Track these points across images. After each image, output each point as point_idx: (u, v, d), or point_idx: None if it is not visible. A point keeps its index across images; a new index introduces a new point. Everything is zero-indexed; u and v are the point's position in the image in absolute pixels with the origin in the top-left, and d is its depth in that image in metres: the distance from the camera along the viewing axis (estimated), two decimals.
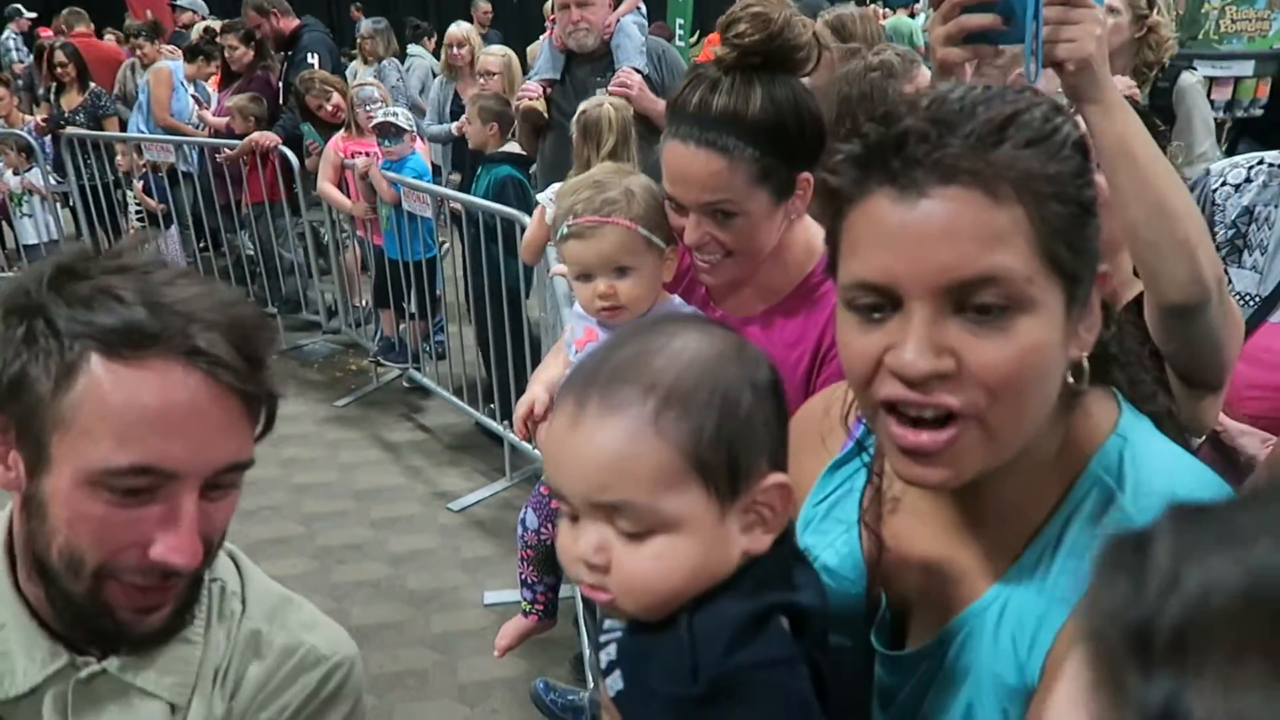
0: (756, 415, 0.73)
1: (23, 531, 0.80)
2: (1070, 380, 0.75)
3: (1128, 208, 1.09)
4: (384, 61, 6.48)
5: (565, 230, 1.53)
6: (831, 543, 0.88)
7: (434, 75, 7.06)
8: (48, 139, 6.09)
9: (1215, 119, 3.43)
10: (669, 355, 0.73)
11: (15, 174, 5.86)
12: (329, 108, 4.90)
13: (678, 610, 0.72)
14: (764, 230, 1.34)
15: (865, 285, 0.72)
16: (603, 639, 0.79)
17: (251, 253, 5.66)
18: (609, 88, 3.18)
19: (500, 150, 3.93)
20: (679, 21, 9.23)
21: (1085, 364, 0.75)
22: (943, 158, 0.68)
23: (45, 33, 10.33)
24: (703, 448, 0.70)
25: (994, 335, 0.68)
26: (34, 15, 10.53)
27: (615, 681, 0.76)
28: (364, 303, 5.16)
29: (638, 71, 3.21)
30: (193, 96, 6.24)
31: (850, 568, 0.85)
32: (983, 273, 0.67)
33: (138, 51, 6.80)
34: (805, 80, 1.35)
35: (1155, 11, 2.96)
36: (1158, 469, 0.74)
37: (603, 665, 0.78)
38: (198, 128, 5.95)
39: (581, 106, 2.93)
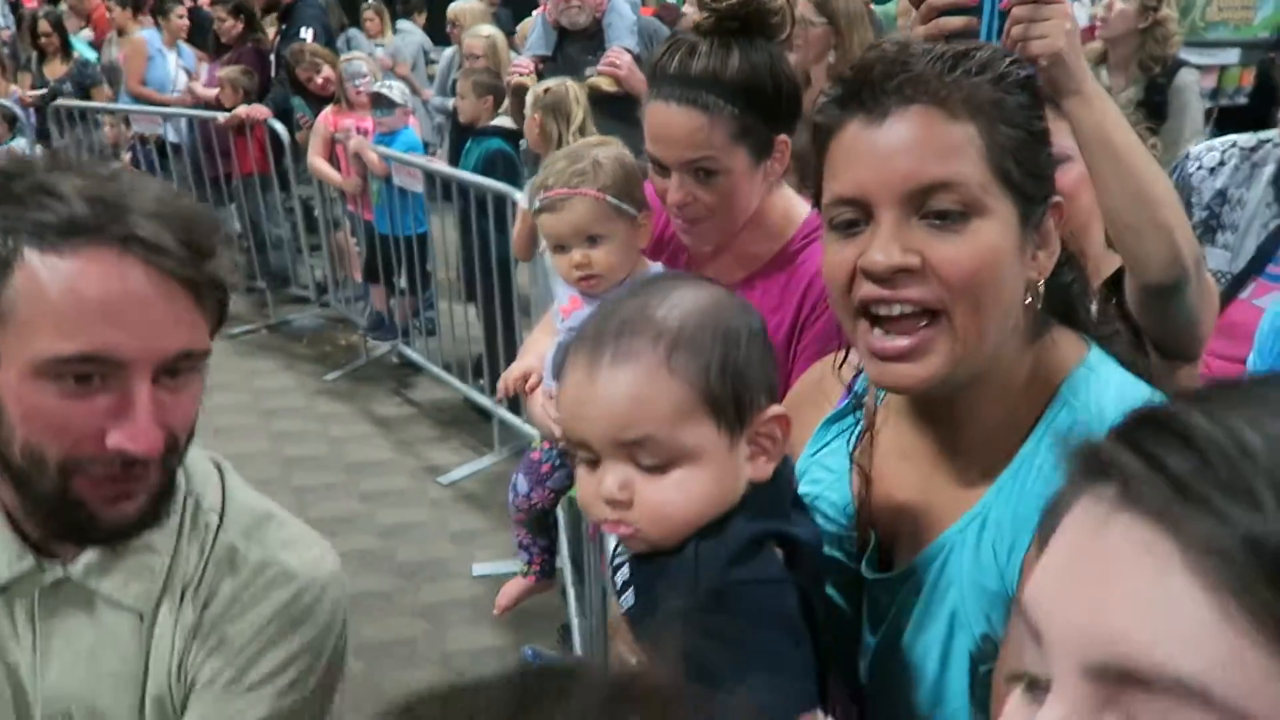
0: (754, 353, 0.81)
1: None
2: (1028, 301, 0.83)
3: (1109, 194, 1.13)
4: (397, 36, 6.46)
5: (539, 204, 1.58)
6: (824, 490, 0.94)
7: (424, 51, 7.05)
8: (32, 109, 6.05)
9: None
10: (671, 305, 0.81)
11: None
12: (319, 80, 4.89)
13: (688, 537, 0.79)
14: (744, 190, 1.38)
15: (841, 200, 0.81)
16: (615, 562, 0.87)
17: (240, 228, 5.65)
18: (599, 66, 3.19)
19: (490, 125, 3.95)
20: None
21: (1041, 288, 0.83)
22: (904, 83, 0.79)
23: (29, 1, 10.23)
24: (711, 383, 0.78)
25: (952, 236, 0.78)
26: None
27: (628, 599, 0.84)
28: (355, 278, 5.17)
29: (628, 51, 3.22)
30: (183, 69, 6.20)
31: (842, 509, 0.92)
32: (940, 178, 0.77)
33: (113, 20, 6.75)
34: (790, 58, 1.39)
35: (1165, 5, 2.99)
36: (1121, 394, 0.81)
37: (617, 585, 0.86)
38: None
39: (540, 87, 2.97)
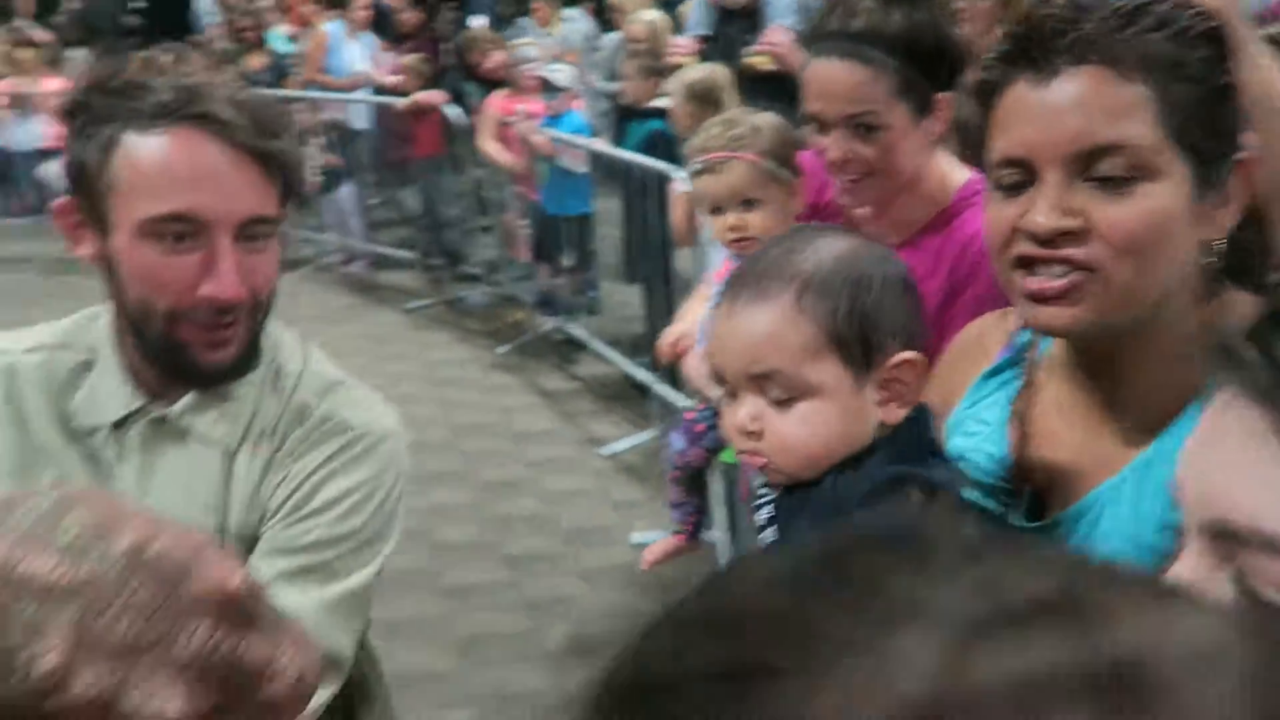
0: (886, 299, 0.85)
1: (110, 288, 0.96)
2: (1205, 261, 0.81)
3: (1275, 157, 1.09)
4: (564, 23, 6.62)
5: (697, 166, 1.63)
6: (980, 442, 0.94)
7: (589, 38, 7.20)
8: None
9: None
10: (809, 251, 0.86)
11: None
12: (489, 65, 5.09)
13: (825, 473, 0.85)
14: (904, 148, 1.37)
15: (1006, 160, 0.81)
16: (759, 501, 0.93)
17: (418, 208, 5.98)
18: (757, 45, 3.20)
19: (651, 106, 4.03)
20: None
21: (1221, 247, 0.81)
22: (1075, 41, 0.77)
23: None
24: (838, 324, 0.83)
25: (1118, 199, 0.76)
26: None
27: (769, 535, 0.90)
28: (522, 258, 5.38)
29: (788, 29, 3.22)
30: (367, 57, 6.57)
31: (997, 461, 0.92)
32: (1109, 141, 0.76)
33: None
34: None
35: None
36: None
37: (760, 522, 0.92)
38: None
39: (688, 75, 3.00)
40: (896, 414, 0.85)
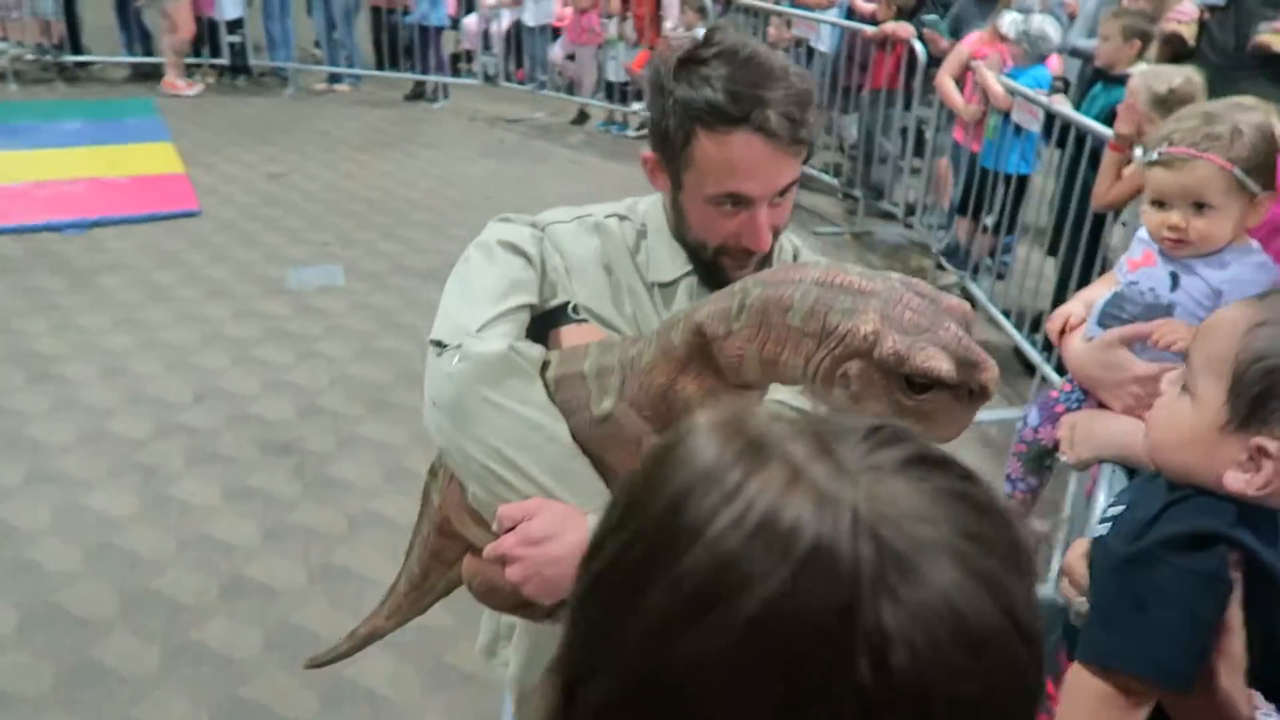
0: None
1: (673, 217, 1.28)
2: None
3: None
4: None
5: (1155, 156, 1.51)
6: None
7: None
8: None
9: None
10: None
11: (686, 30, 6.83)
12: None
13: (1173, 483, 0.87)
14: None
15: None
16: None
17: (855, 138, 6.02)
18: (1277, 23, 2.80)
19: (1127, 72, 3.68)
20: None
21: None
22: None
23: None
24: (1246, 368, 0.83)
25: None
26: None
27: (1098, 530, 0.95)
28: (943, 206, 5.26)
29: None
30: None
31: None
32: None
33: None
34: None
35: None
36: None
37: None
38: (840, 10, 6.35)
39: (1162, 81, 2.66)
40: (1241, 485, 0.83)
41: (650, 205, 1.33)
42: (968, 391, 0.80)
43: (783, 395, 1.11)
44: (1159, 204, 1.51)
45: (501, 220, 1.31)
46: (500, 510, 1.07)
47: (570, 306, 1.24)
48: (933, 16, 5.16)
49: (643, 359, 1.01)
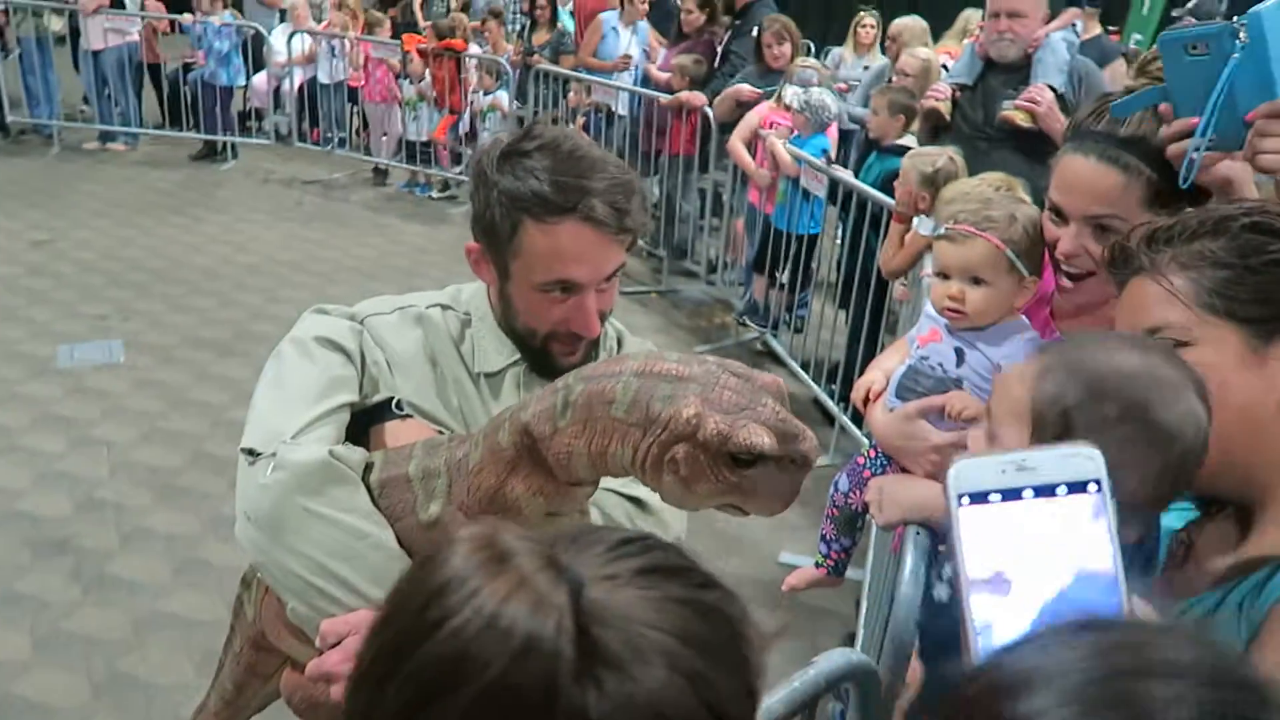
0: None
1: (500, 307, 1.28)
2: None
3: None
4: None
5: (942, 230, 1.65)
6: None
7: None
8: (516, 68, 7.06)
9: None
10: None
11: (485, 94, 6.87)
12: (776, 51, 5.18)
13: None
14: None
15: None
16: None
17: (657, 198, 6.22)
18: (1018, 100, 3.15)
19: (896, 143, 4.02)
20: (1135, 37, 8.50)
21: None
22: (1127, 262, 1.05)
23: None
24: (1043, 412, 0.89)
25: None
26: None
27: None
28: (741, 263, 5.49)
29: (1051, 89, 3.15)
30: (644, 50, 6.89)
31: None
32: (1151, 325, 1.01)
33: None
34: None
35: None
36: None
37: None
38: (632, 76, 6.58)
39: (927, 161, 3.04)
40: None
41: (473, 294, 1.33)
42: (790, 462, 0.84)
43: (614, 484, 1.11)
44: (943, 276, 1.64)
45: (317, 312, 1.26)
46: (323, 625, 1.01)
47: (394, 403, 1.20)
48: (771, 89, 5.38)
49: (470, 460, 0.99)
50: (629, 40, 6.79)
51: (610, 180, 1.16)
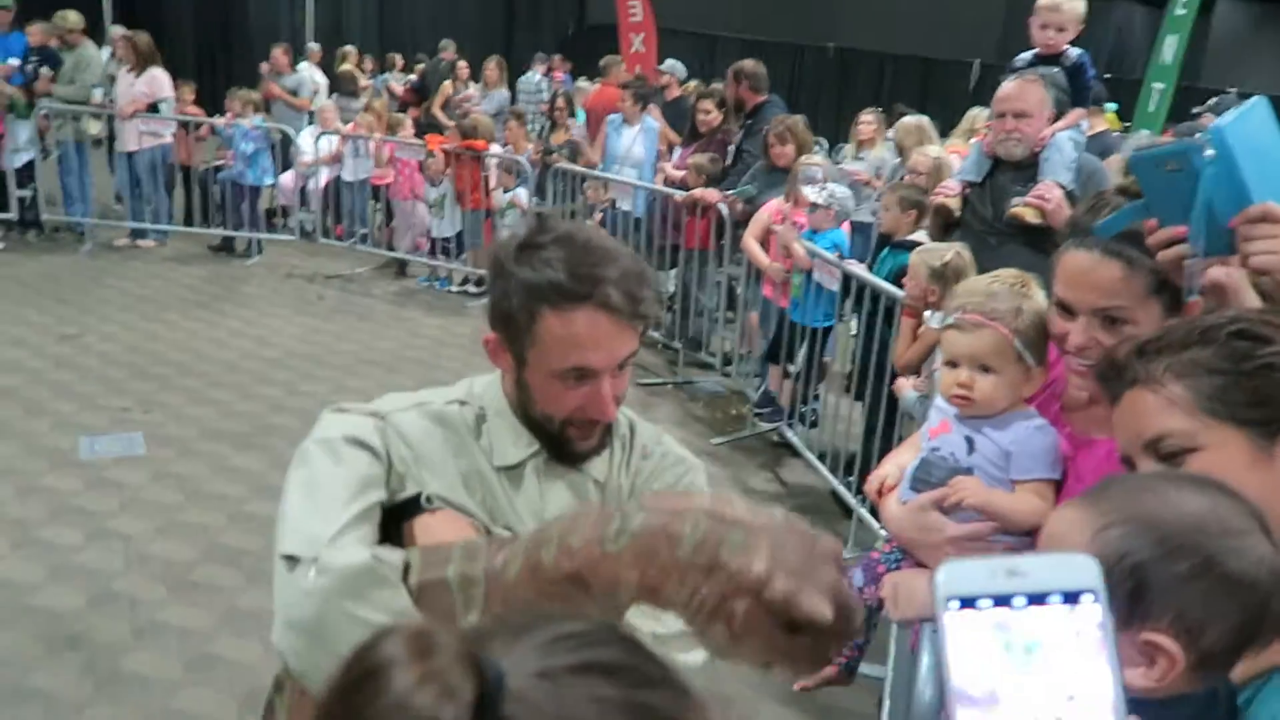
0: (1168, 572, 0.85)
1: (514, 394, 1.31)
2: None
3: None
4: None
5: (950, 319, 1.68)
6: None
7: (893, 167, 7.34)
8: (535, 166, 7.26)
9: None
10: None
11: (505, 191, 7.05)
12: (778, 150, 5.32)
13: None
14: None
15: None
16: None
17: (673, 291, 6.30)
18: (1028, 197, 3.20)
19: (909, 238, 4.09)
20: (1145, 133, 8.67)
21: None
22: (1123, 375, 1.11)
23: (556, 75, 12.22)
24: (1112, 570, 0.82)
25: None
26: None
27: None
28: (755, 355, 5.52)
29: (1060, 187, 3.21)
30: (661, 150, 7.06)
31: None
32: (1155, 433, 1.07)
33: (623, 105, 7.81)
34: None
35: None
36: None
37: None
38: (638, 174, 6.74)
39: (938, 256, 3.14)
40: (1143, 680, 0.84)
41: (485, 387, 1.35)
42: (835, 635, 0.81)
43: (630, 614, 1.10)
44: (951, 364, 1.66)
45: (337, 411, 1.27)
46: None
47: (424, 498, 1.21)
48: (747, 187, 5.52)
49: (509, 572, 0.95)
50: (634, 138, 6.98)
51: (624, 269, 1.20)
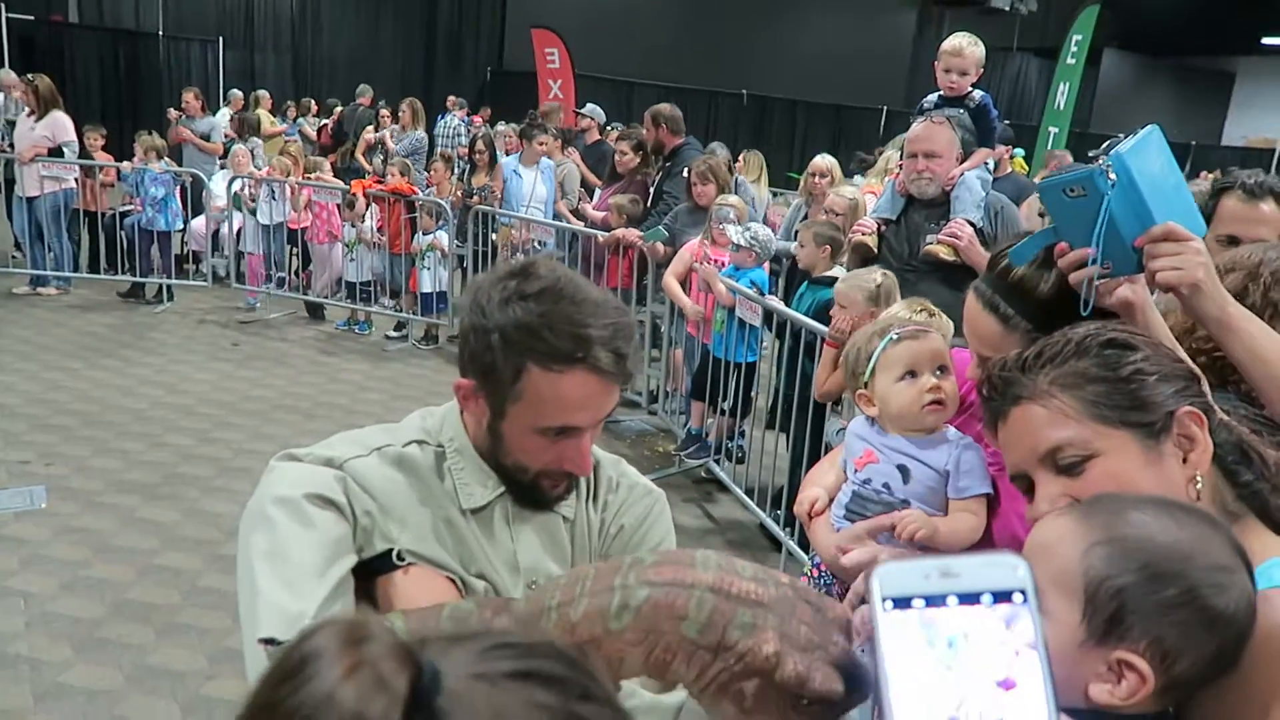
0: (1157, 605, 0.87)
1: (481, 439, 1.27)
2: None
3: (1273, 404, 1.31)
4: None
5: (895, 336, 1.72)
6: None
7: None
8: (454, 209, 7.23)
9: None
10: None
11: (425, 234, 6.99)
12: (700, 189, 5.39)
13: None
14: None
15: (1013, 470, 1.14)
16: None
17: None
18: (939, 235, 3.32)
19: (827, 274, 4.18)
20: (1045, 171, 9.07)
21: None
22: (1007, 391, 1.15)
23: (477, 120, 12.23)
24: (1097, 589, 0.86)
25: (1078, 478, 1.08)
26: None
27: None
28: (681, 392, 5.55)
29: (970, 224, 3.33)
30: (580, 192, 7.11)
31: None
32: (1052, 444, 1.09)
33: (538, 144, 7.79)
34: None
35: None
36: None
37: None
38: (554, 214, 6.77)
39: (872, 279, 3.34)
40: (1108, 696, 0.85)
41: (441, 422, 1.31)
42: (845, 706, 0.81)
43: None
44: (910, 375, 1.67)
45: (287, 458, 1.20)
46: None
47: (395, 554, 1.17)
48: (658, 229, 5.58)
49: None
50: (534, 180, 7.02)
51: (613, 326, 1.17)
